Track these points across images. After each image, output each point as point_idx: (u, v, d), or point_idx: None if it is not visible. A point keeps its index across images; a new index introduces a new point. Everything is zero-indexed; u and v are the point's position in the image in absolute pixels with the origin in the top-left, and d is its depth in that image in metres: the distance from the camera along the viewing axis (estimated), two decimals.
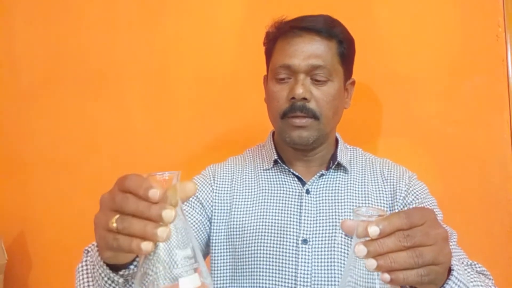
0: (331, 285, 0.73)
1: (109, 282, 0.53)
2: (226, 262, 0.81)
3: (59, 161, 1.48)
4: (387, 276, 0.43)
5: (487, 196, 1.01)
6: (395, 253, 0.43)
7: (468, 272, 0.62)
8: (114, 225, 0.42)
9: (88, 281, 0.57)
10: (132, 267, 0.54)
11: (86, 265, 0.59)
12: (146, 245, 0.41)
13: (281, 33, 0.82)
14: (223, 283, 0.80)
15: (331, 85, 0.79)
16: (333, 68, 0.79)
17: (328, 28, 0.79)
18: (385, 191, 0.82)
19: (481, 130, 1.02)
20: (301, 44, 0.78)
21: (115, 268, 0.53)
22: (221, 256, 0.81)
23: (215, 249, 0.82)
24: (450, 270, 0.51)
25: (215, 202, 0.84)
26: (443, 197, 0.88)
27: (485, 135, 1.02)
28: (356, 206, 0.80)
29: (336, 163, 0.84)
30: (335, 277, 0.74)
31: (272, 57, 0.83)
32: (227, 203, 0.83)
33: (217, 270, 0.81)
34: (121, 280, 0.52)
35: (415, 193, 0.81)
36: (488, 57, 1.01)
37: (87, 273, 0.57)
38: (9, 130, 1.58)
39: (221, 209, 0.83)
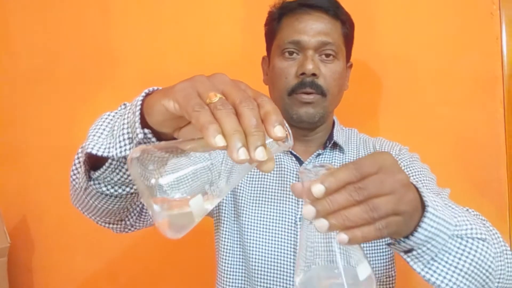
0: None
1: (126, 136, 0.48)
2: (234, 240, 0.82)
3: (61, 145, 1.49)
4: (344, 237, 0.39)
5: (479, 176, 1.02)
6: (347, 209, 0.39)
7: (452, 208, 0.55)
8: (215, 99, 0.37)
9: (104, 128, 0.52)
10: (153, 139, 0.48)
11: (114, 116, 0.55)
12: (220, 140, 0.34)
13: (287, 11, 0.82)
14: (230, 255, 0.82)
15: (338, 64, 0.81)
16: (339, 47, 0.81)
17: (334, 8, 0.81)
18: None
19: (475, 109, 1.02)
20: (310, 21, 0.79)
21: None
22: (228, 232, 0.83)
23: (223, 226, 0.84)
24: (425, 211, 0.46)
25: None
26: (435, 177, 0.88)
27: (479, 114, 1.02)
28: None
29: (332, 142, 0.85)
30: None
31: (278, 35, 0.83)
32: None
33: (225, 244, 0.83)
34: (140, 136, 0.46)
35: (403, 160, 0.81)
36: (482, 35, 1.01)
37: (109, 122, 0.53)
38: (11, 116, 1.60)
39: None
